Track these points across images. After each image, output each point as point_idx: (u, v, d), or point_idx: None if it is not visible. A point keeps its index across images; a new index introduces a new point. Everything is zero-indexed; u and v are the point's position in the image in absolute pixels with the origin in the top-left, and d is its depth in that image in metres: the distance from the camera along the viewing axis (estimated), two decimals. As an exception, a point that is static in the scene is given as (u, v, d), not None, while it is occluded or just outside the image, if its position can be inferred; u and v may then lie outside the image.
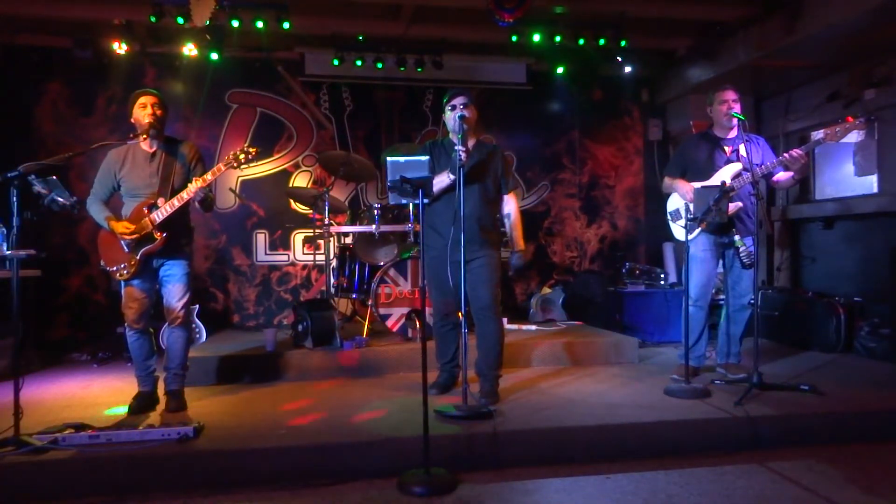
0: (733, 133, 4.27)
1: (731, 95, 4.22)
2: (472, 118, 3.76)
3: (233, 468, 3.00)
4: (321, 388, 4.31)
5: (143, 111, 3.60)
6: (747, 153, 3.97)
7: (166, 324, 3.82)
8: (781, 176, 4.22)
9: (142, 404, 3.77)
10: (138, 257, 3.58)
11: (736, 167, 4.20)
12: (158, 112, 3.63)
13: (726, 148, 4.28)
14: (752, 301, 4.20)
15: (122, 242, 3.60)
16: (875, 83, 5.63)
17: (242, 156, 3.59)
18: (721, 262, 4.38)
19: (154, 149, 3.68)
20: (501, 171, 3.96)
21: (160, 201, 3.57)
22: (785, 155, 4.01)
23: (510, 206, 4.01)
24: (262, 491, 2.91)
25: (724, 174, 4.21)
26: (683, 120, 6.95)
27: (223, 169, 3.54)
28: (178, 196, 3.55)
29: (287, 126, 6.68)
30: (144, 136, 3.64)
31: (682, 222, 4.23)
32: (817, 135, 3.95)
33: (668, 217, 4.55)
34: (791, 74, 6.22)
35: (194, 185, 3.50)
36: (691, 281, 4.25)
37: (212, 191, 3.69)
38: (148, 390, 3.85)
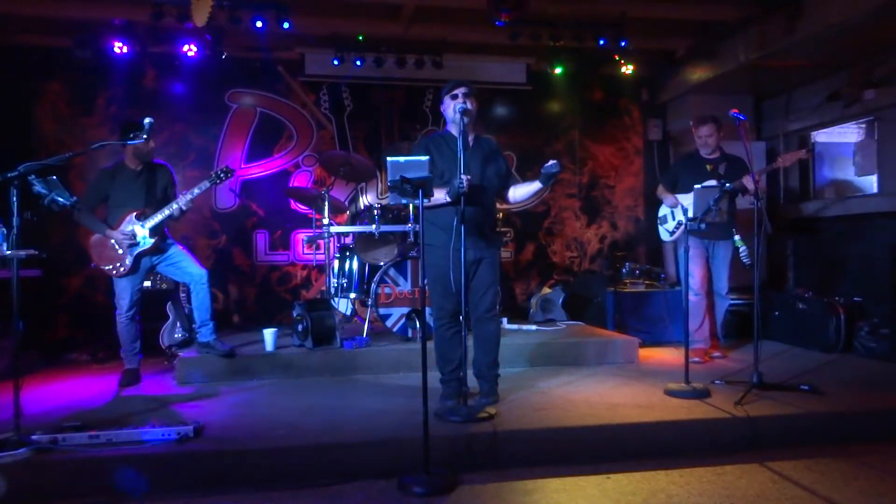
0: (716, 154, 4.99)
1: (705, 132, 4.92)
2: (473, 111, 3.66)
3: (233, 468, 3.00)
4: (321, 387, 4.31)
5: (147, 146, 4.28)
6: (724, 173, 4.80)
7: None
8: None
9: (129, 379, 4.41)
10: (132, 257, 4.24)
11: (713, 184, 4.72)
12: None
13: (708, 167, 4.96)
14: (727, 294, 5.02)
15: (116, 245, 4.23)
16: (875, 83, 5.63)
17: (223, 174, 4.39)
18: (708, 256, 5.06)
19: (139, 168, 4.36)
20: (505, 168, 3.89)
21: (148, 211, 4.25)
22: (747, 178, 4.48)
23: (511, 193, 3.94)
24: (262, 491, 2.90)
25: None
26: (683, 120, 6.94)
27: (207, 185, 4.31)
28: (168, 206, 4.23)
29: (287, 126, 6.68)
30: (148, 139, 3.97)
31: (668, 226, 5.17)
32: (775, 163, 4.86)
33: (658, 221, 5.32)
34: (791, 74, 6.22)
35: (184, 198, 4.23)
36: (686, 273, 4.74)
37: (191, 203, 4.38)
38: (134, 367, 4.49)
